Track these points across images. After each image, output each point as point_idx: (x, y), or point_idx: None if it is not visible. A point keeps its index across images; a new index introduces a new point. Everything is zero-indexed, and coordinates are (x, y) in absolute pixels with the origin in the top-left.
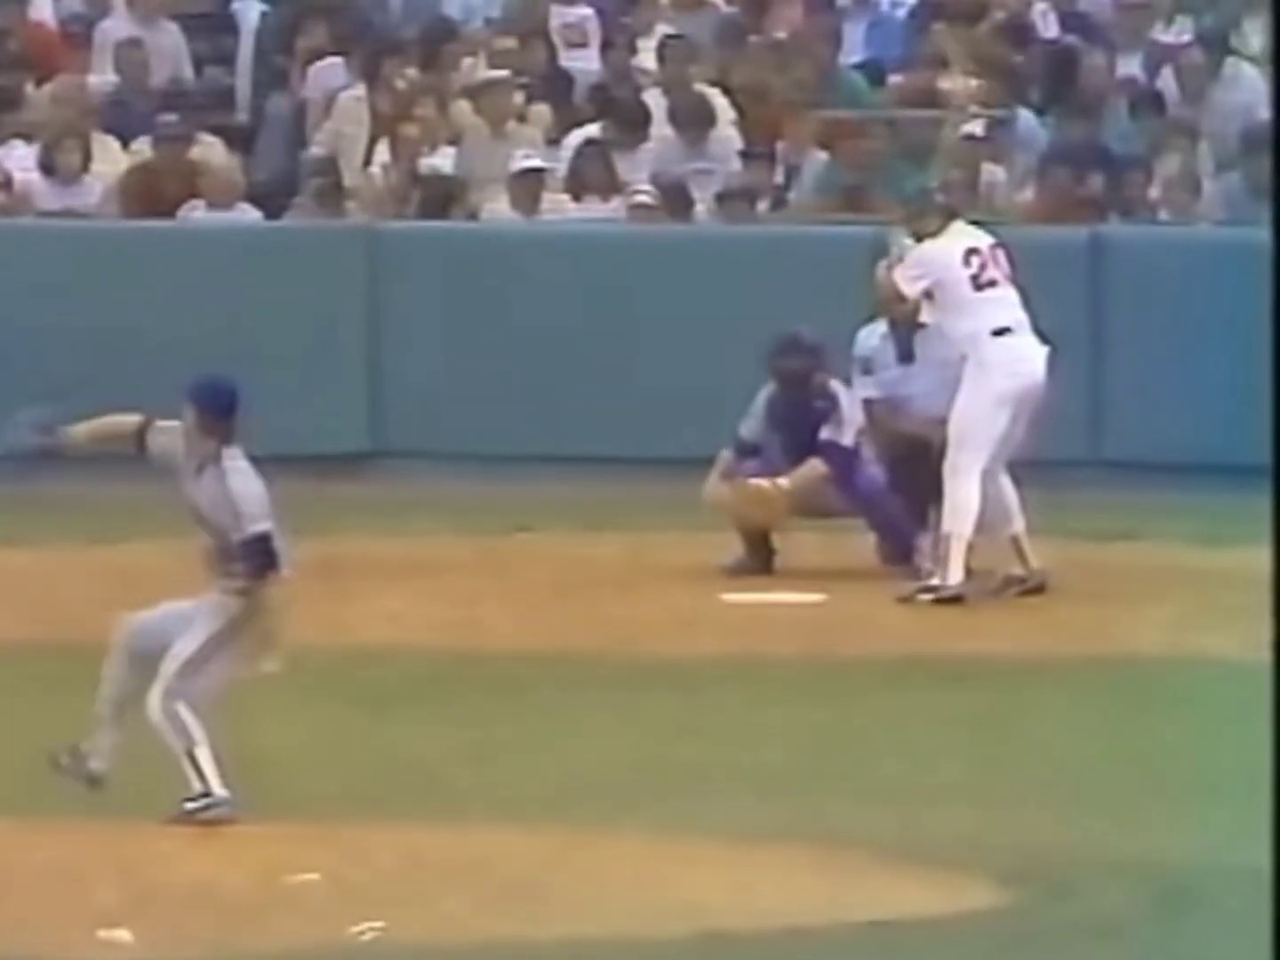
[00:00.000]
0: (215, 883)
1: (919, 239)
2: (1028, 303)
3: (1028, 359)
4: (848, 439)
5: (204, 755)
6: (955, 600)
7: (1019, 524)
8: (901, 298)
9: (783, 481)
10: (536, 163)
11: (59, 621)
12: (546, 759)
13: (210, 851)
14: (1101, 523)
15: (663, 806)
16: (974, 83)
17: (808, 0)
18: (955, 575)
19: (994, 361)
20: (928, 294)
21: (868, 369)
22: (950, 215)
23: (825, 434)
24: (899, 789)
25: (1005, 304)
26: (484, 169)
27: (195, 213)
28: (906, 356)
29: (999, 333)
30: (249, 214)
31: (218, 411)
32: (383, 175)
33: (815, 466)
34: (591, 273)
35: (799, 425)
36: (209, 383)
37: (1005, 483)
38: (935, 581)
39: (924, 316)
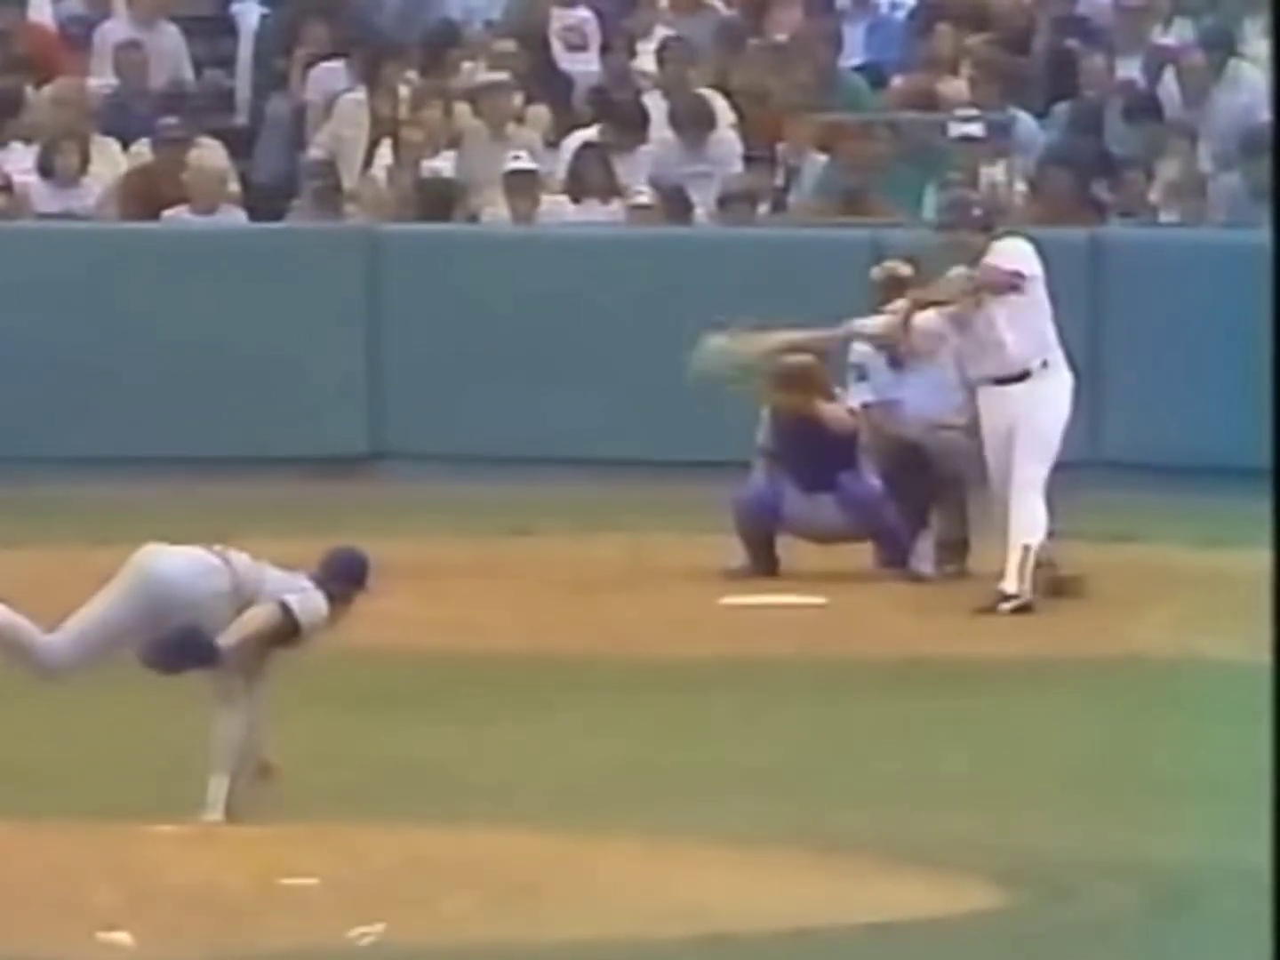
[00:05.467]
0: (214, 884)
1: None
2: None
3: None
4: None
5: None
6: (1028, 609)
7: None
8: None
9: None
10: (528, 164)
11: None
12: (546, 760)
13: (209, 853)
14: (1101, 524)
15: (662, 808)
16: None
17: (807, 3)
18: (1028, 583)
19: (1067, 376)
20: (1015, 288)
21: (862, 375)
22: (987, 227)
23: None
24: (899, 790)
25: None
26: (483, 171)
27: (182, 215)
28: (898, 362)
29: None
30: (237, 217)
31: (354, 582)
32: (387, 179)
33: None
34: (591, 275)
35: (804, 430)
36: (350, 556)
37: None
38: (1011, 589)
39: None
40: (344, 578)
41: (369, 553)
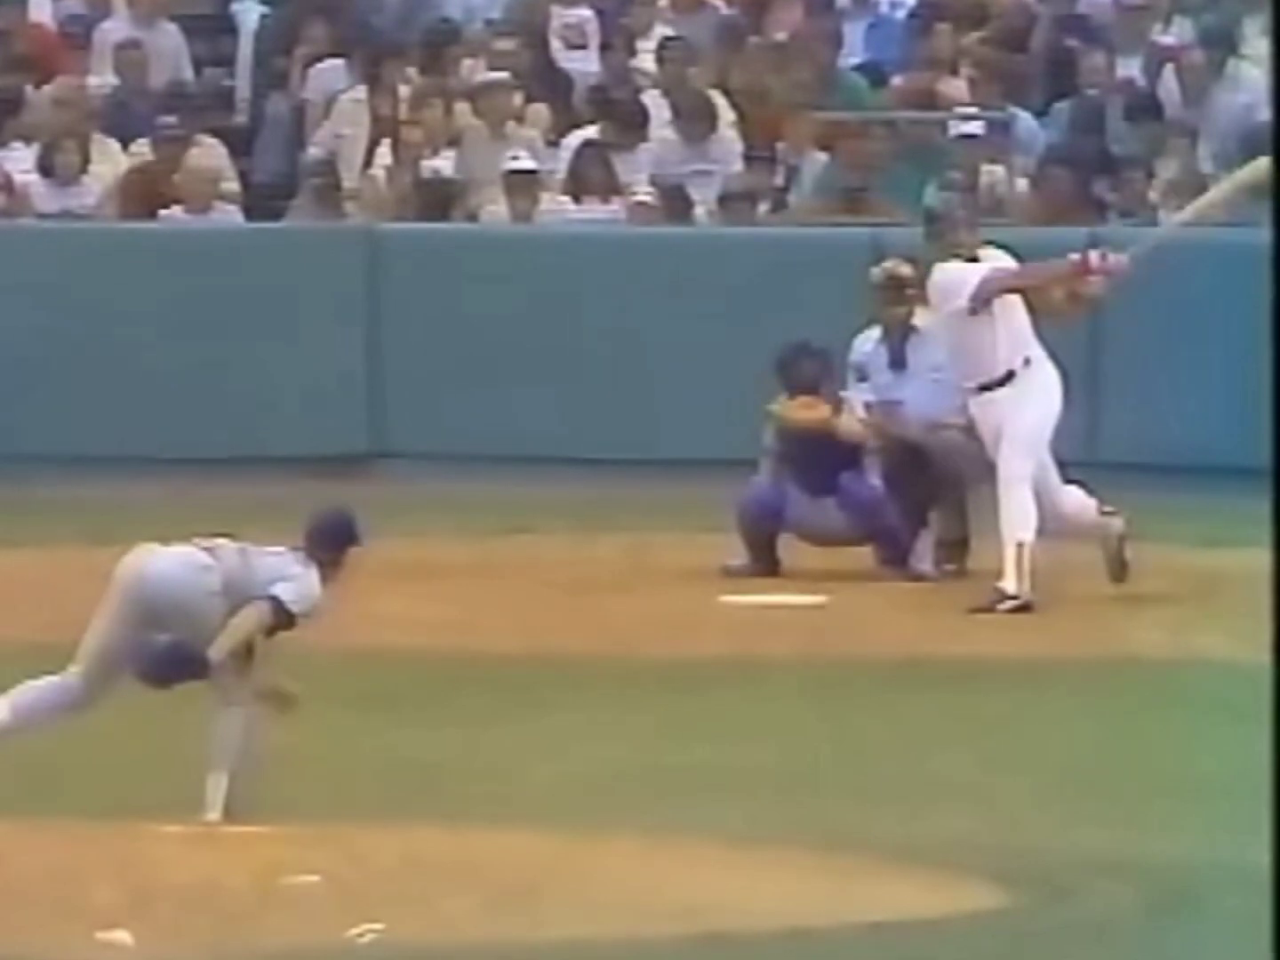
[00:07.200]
0: (215, 883)
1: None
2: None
3: None
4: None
5: None
6: (1027, 609)
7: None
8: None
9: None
10: (527, 164)
11: (59, 622)
12: (545, 760)
13: (210, 852)
14: None
15: (662, 807)
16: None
17: (807, 2)
18: (1027, 582)
19: (1051, 370)
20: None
21: (862, 375)
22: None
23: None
24: (899, 790)
25: None
26: (483, 170)
27: (175, 215)
28: (898, 363)
29: None
30: (233, 216)
31: (342, 543)
32: (386, 178)
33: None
34: (591, 274)
35: (814, 439)
36: (334, 518)
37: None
38: (1010, 590)
39: (917, 320)
40: (331, 542)
41: (351, 512)
